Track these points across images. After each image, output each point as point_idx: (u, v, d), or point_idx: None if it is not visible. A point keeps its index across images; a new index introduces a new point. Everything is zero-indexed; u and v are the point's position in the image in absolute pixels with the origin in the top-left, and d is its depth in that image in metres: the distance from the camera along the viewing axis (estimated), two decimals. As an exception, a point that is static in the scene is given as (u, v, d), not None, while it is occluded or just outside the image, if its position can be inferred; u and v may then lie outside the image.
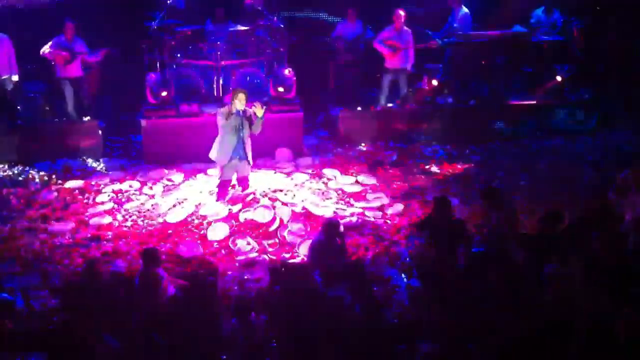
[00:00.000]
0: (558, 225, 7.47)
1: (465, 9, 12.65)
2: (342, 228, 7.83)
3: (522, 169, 11.05)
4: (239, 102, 9.02)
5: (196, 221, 9.28)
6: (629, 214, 7.85)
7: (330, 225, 7.70)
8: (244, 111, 9.10)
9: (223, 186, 9.62)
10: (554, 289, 6.74)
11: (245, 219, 9.16)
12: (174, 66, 11.64)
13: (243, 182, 9.70)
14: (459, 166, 11.16)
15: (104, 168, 11.15)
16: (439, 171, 10.99)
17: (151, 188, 10.34)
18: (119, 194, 10.16)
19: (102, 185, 10.44)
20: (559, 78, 12.51)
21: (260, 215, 9.19)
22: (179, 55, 11.56)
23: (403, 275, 8.04)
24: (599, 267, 7.05)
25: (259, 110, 9.07)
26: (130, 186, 10.39)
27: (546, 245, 7.21)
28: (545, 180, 10.60)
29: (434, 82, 12.30)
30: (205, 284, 7.62)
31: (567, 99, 12.58)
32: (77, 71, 11.55)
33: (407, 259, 8.39)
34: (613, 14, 12.98)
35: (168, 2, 11.73)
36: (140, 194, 10.18)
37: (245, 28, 11.83)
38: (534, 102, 12.43)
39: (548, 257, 7.02)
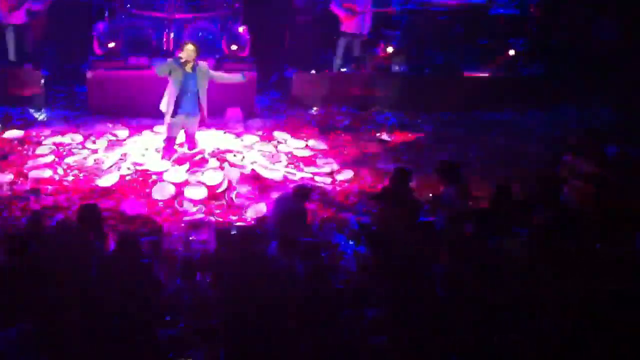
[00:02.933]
0: (506, 199, 7.52)
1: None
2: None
3: (472, 140, 11.10)
4: (185, 55, 8.72)
5: (141, 179, 9.01)
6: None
7: (303, 191, 7.59)
8: (193, 67, 8.79)
9: (169, 144, 9.34)
10: (497, 263, 6.80)
11: (194, 179, 8.93)
12: (124, 16, 11.19)
13: (191, 140, 9.44)
14: (410, 135, 11.13)
15: (45, 118, 10.75)
16: (390, 139, 10.94)
17: (94, 142, 10.01)
18: (60, 147, 9.82)
19: (43, 137, 10.07)
20: (512, 52, 12.55)
21: (208, 176, 8.97)
22: (129, 4, 11.15)
23: (351, 242, 8.00)
24: (542, 240, 7.15)
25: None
26: (73, 139, 10.04)
27: (494, 220, 7.24)
28: (495, 153, 10.69)
29: (390, 49, 12.18)
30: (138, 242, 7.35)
31: (520, 73, 12.63)
32: (21, 18, 11.07)
33: (355, 225, 8.34)
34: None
35: (121, -52, 11.26)
36: (82, 148, 9.85)
37: (201, -20, 11.48)
38: (487, 74, 12.43)
39: (495, 230, 7.06)
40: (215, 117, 10.69)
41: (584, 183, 8.17)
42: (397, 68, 12.27)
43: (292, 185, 8.37)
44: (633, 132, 10.95)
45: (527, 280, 6.68)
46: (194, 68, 8.84)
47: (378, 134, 11.05)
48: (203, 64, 9.03)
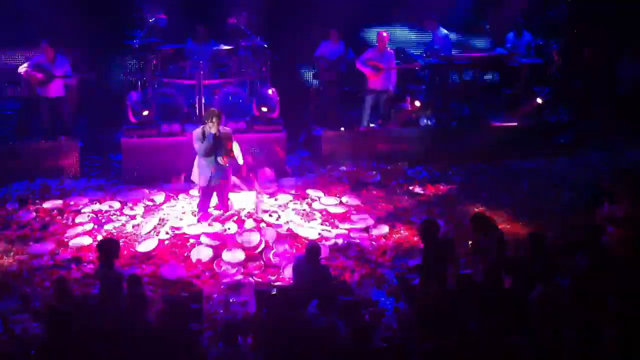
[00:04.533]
0: (541, 247, 7.50)
1: (444, 30, 12.79)
2: (324, 253, 7.74)
3: (503, 189, 11.11)
4: (212, 125, 8.94)
5: (179, 242, 9.13)
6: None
7: (312, 250, 7.64)
8: (218, 133, 9.01)
9: (204, 207, 9.51)
10: (541, 313, 6.76)
11: (232, 241, 9.04)
12: (155, 85, 11.52)
13: (224, 202, 9.60)
14: (441, 187, 11.18)
15: (82, 187, 10.95)
16: (422, 192, 10.99)
17: (132, 208, 10.18)
18: (98, 215, 9.99)
19: (81, 206, 10.24)
20: (539, 100, 12.66)
21: (246, 237, 9.08)
22: (160, 74, 11.47)
23: (390, 298, 7.99)
24: (586, 285, 7.10)
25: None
26: (110, 206, 10.21)
27: (531, 269, 7.22)
28: (527, 201, 10.68)
29: (417, 103, 12.36)
30: (187, 308, 7.44)
31: (547, 121, 12.70)
32: (57, 91, 11.36)
33: (394, 281, 8.34)
34: (588, 35, 13.18)
35: (150, 20, 11.65)
36: (120, 215, 10.02)
37: (228, 47, 11.79)
38: (515, 123, 12.52)
39: (534, 280, 7.03)
40: (247, 178, 10.91)
41: (622, 228, 8.13)
42: (424, 121, 12.41)
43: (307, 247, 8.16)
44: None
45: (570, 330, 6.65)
46: (219, 133, 9.05)
47: (410, 188, 11.10)
48: (227, 129, 9.24)
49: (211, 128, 8.95)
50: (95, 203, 10.32)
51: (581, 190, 10.95)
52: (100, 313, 6.92)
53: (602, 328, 6.33)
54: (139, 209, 10.14)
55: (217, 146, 9.05)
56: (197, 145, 9.06)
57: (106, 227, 9.62)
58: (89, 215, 9.94)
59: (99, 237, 9.26)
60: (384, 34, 11.90)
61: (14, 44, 11.94)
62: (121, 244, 9.07)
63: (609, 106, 12.74)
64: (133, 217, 9.91)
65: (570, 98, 13.12)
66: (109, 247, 7.29)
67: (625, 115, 12.51)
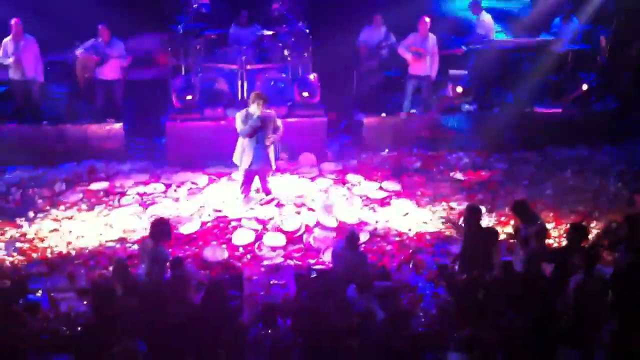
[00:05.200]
0: (583, 238, 7.42)
1: (487, 15, 12.60)
2: (362, 239, 7.75)
3: (546, 178, 10.98)
4: (256, 107, 9.02)
5: (221, 225, 9.27)
6: None
7: (351, 237, 7.69)
8: (263, 115, 9.08)
9: (246, 190, 9.64)
10: (580, 302, 6.71)
11: (272, 225, 9.15)
12: (199, 70, 11.64)
13: (265, 186, 9.72)
14: (483, 173, 11.07)
15: (128, 169, 11.15)
16: (463, 178, 10.91)
17: (176, 191, 10.36)
18: (143, 197, 10.19)
19: (127, 188, 10.46)
20: (585, 87, 12.43)
21: (286, 221, 9.18)
22: (204, 59, 11.58)
23: (429, 284, 8.01)
24: (623, 279, 7.02)
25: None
26: (155, 189, 10.41)
27: (572, 259, 7.15)
28: (570, 191, 10.55)
29: (458, 89, 12.25)
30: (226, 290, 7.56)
31: (593, 108, 12.47)
32: (112, 73, 11.60)
33: (434, 266, 8.35)
34: (638, 21, 12.85)
35: (194, 6, 11.77)
36: (164, 197, 10.20)
37: (270, 32, 11.85)
38: (560, 110, 12.33)
39: (574, 270, 6.97)
40: (289, 162, 11.00)
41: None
42: (466, 107, 12.31)
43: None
44: None
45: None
46: (263, 117, 9.13)
47: (451, 174, 11.04)
48: (271, 112, 9.31)
49: (255, 110, 9.04)
50: (140, 185, 10.52)
51: (626, 181, 10.78)
52: (146, 292, 7.11)
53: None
54: (183, 192, 10.31)
55: (260, 128, 9.14)
56: (240, 127, 9.15)
57: (150, 208, 9.81)
58: (133, 197, 10.15)
59: (144, 219, 9.49)
60: (426, 19, 11.79)
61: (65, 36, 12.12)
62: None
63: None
64: (177, 200, 10.08)
65: (617, 86, 12.81)
66: (163, 228, 7.42)
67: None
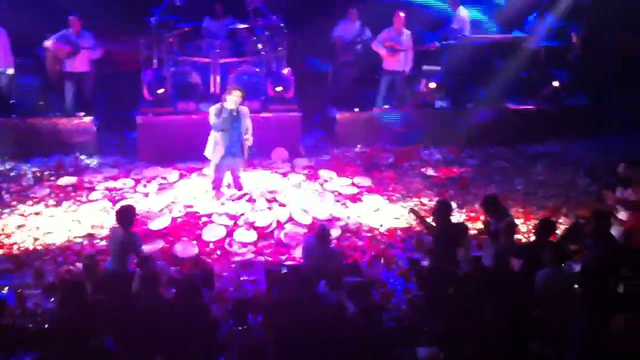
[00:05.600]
0: (551, 233, 7.47)
1: (464, 11, 12.62)
2: (333, 235, 7.72)
3: (518, 173, 11.05)
4: (232, 101, 8.95)
5: (192, 221, 9.19)
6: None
7: (321, 233, 7.66)
8: (237, 110, 9.02)
9: (217, 185, 9.56)
10: (547, 297, 6.75)
11: (244, 220, 9.09)
12: (172, 63, 11.52)
13: (237, 181, 9.65)
14: (455, 169, 11.10)
15: (97, 164, 11.02)
16: (435, 174, 10.93)
17: (145, 186, 10.24)
18: (112, 192, 10.06)
19: (96, 183, 10.31)
20: (556, 83, 12.52)
21: (258, 216, 9.12)
22: (176, 52, 11.46)
23: (400, 279, 8.01)
24: (591, 274, 7.06)
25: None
26: (124, 184, 10.28)
27: (541, 254, 7.19)
28: (541, 185, 10.63)
29: (432, 85, 12.26)
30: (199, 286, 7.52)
31: (564, 104, 12.58)
32: (82, 66, 11.44)
33: (405, 262, 8.36)
34: (610, 17, 12.97)
35: (167, -3, 11.62)
36: (134, 192, 10.08)
37: (245, 26, 11.76)
38: (532, 107, 12.41)
39: (543, 265, 7.01)
40: (261, 157, 10.94)
41: (633, 211, 8.06)
42: (440, 103, 12.33)
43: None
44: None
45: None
46: (237, 111, 9.06)
47: (423, 170, 11.06)
48: (244, 108, 9.26)
49: (231, 105, 8.97)
50: (110, 180, 10.39)
51: (597, 176, 10.87)
52: (116, 285, 7.04)
53: (610, 315, 6.30)
54: (153, 187, 10.20)
55: (233, 123, 9.07)
56: (214, 121, 9.08)
57: (119, 204, 9.68)
58: (102, 192, 10.02)
59: (112, 214, 9.37)
60: (401, 14, 11.79)
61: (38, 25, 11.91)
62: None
63: (629, 90, 12.54)
64: (146, 195, 9.97)
65: (588, 82, 12.94)
66: (130, 213, 7.49)
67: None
